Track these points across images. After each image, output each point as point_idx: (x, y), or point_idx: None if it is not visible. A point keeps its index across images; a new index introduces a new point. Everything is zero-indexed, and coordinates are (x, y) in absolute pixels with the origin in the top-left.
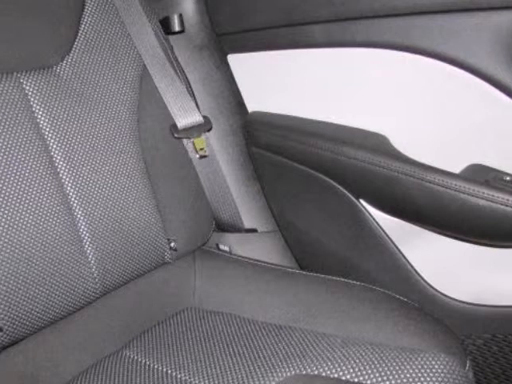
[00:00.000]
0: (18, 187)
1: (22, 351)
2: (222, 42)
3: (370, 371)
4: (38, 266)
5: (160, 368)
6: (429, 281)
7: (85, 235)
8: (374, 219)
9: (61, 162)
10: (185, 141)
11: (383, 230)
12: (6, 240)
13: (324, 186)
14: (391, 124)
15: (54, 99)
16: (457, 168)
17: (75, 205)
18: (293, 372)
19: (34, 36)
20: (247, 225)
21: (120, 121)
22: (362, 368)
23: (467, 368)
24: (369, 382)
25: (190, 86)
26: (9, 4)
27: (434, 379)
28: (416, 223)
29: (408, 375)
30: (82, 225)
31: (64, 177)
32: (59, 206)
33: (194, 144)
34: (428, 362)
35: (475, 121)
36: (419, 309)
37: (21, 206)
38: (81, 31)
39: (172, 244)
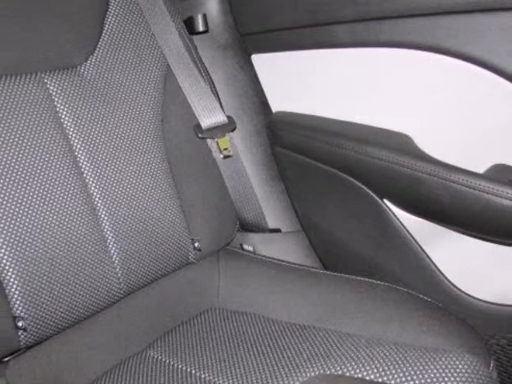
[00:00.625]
0: (42, 187)
1: (45, 351)
2: (246, 42)
3: (394, 371)
4: (62, 266)
5: (184, 368)
6: (453, 281)
7: (109, 235)
8: (397, 219)
9: (85, 162)
10: (209, 141)
11: (407, 230)
12: (29, 240)
13: (348, 185)
14: (415, 124)
15: (77, 99)
16: (481, 168)
17: (99, 205)
18: (317, 372)
19: (58, 36)
20: (271, 225)
21: (144, 121)
22: (386, 368)
23: (491, 368)
24: (393, 382)
25: (214, 86)
26: (33, 4)
27: (457, 379)
28: (440, 223)
29: (432, 375)
30: (105, 225)
31: (88, 177)
32: (83, 206)
33: (217, 144)
34: (452, 362)
35: (499, 121)
36: (443, 309)
37: (45, 206)
38: (105, 31)
39: (196, 244)
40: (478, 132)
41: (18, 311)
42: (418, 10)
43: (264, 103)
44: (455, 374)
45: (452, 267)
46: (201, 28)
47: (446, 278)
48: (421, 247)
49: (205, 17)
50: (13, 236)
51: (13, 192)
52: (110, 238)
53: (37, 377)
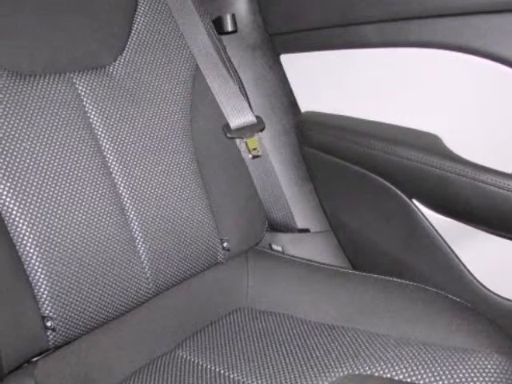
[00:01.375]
0: (71, 187)
1: (74, 351)
2: (274, 42)
3: (422, 371)
4: (91, 266)
5: (213, 368)
6: (482, 281)
7: (137, 235)
8: (426, 219)
9: (113, 162)
10: (237, 141)
11: (436, 230)
12: (58, 240)
13: (377, 185)
14: (444, 124)
15: (106, 99)
16: (509, 168)
17: (128, 205)
18: (345, 372)
19: (87, 36)
20: (300, 225)
21: (173, 121)
22: (414, 368)
23: None
24: (421, 382)
25: (243, 86)
26: (62, 4)
27: (486, 379)
28: (469, 223)
29: (461, 375)
30: (134, 225)
31: (117, 177)
32: (112, 206)
33: (246, 144)
34: (481, 362)
35: None
36: (472, 309)
37: (74, 206)
38: (134, 31)
39: (225, 244)
40: (507, 132)
41: (47, 311)
42: (447, 9)
43: (293, 103)
44: (484, 374)
45: (481, 267)
46: (229, 28)
47: (475, 277)
48: (450, 247)
49: (233, 17)
50: (42, 236)
51: (42, 192)
52: (138, 237)
53: (65, 377)
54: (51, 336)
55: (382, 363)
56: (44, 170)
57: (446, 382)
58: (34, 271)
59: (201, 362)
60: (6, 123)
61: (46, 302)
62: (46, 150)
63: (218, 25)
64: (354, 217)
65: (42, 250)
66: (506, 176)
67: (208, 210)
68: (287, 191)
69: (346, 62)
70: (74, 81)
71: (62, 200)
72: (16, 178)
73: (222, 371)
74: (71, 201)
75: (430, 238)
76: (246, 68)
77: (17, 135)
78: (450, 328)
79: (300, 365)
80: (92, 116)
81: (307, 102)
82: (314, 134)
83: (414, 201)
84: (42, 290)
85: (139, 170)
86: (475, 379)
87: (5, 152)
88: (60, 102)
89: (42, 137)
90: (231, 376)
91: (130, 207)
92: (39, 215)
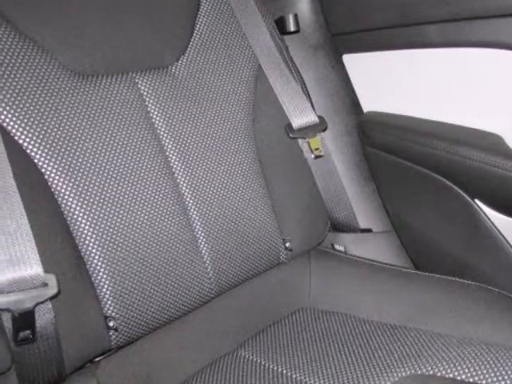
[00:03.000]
0: (134, 187)
1: (137, 351)
2: (337, 42)
3: (485, 371)
4: (153, 265)
5: (275, 368)
6: None
7: (200, 235)
8: (489, 219)
9: (176, 162)
10: (300, 141)
11: (498, 230)
12: (121, 240)
13: (439, 185)
14: (506, 124)
15: (168, 99)
16: None
17: (190, 205)
18: (408, 372)
19: (149, 36)
20: (362, 225)
21: (235, 121)
22: (477, 368)
23: None
24: (484, 382)
25: (305, 86)
26: (124, 5)
27: None
28: None
29: None
30: (197, 225)
31: (179, 177)
32: (174, 205)
33: (309, 144)
34: None
35: None
36: None
37: (136, 206)
38: (196, 31)
39: (287, 244)
40: None
41: (110, 311)
42: (510, 9)
43: (355, 103)
44: None
45: None
46: (292, 28)
47: None
48: None
49: (296, 17)
50: (104, 236)
51: (104, 192)
52: (201, 237)
53: (128, 377)
54: (113, 336)
55: (444, 363)
56: (106, 170)
57: (508, 382)
58: (96, 271)
59: (263, 362)
60: (68, 123)
61: (109, 302)
62: (109, 150)
63: (280, 25)
64: (417, 217)
65: (104, 250)
66: None
67: (270, 210)
68: (349, 191)
69: (408, 61)
70: (137, 81)
71: (125, 200)
72: (78, 179)
73: (285, 371)
74: (134, 201)
75: (493, 238)
76: (308, 68)
77: (79, 135)
78: None
79: (362, 365)
80: (154, 116)
81: (369, 102)
82: (376, 134)
83: (477, 201)
84: (104, 289)
85: (201, 170)
86: None
87: (67, 152)
88: (122, 101)
89: (104, 137)
90: (293, 376)
91: (193, 207)
92: (101, 215)
